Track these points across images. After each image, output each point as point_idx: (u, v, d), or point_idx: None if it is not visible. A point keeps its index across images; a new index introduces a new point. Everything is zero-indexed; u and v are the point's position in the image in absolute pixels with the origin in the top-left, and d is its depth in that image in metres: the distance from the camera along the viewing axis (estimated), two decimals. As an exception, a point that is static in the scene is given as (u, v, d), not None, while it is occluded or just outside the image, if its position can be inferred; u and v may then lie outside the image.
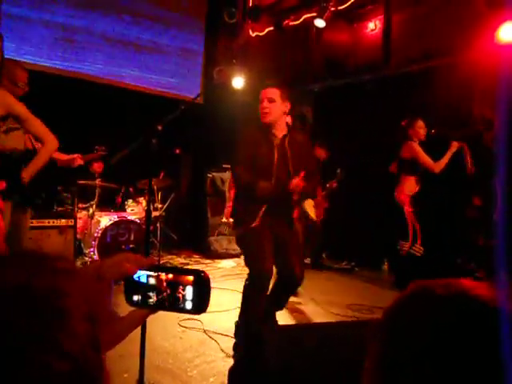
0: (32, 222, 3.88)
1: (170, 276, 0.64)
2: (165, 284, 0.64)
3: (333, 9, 6.42)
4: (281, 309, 3.18)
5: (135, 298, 0.65)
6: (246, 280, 2.84)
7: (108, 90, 6.14)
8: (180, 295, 0.63)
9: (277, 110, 2.87)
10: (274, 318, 3.09)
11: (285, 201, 2.88)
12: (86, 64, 6.19)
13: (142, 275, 0.64)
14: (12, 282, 0.38)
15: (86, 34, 6.16)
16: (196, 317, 3.12)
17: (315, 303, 4.11)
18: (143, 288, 0.65)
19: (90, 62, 6.22)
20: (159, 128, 2.21)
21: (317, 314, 3.82)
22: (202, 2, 7.46)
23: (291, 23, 7.03)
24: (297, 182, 2.75)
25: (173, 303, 0.64)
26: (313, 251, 5.86)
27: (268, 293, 2.87)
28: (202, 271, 0.64)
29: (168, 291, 0.64)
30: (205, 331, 3.17)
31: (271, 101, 2.85)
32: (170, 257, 5.98)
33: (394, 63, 5.89)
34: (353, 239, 5.90)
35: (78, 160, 3.72)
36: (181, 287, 0.63)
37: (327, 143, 5.83)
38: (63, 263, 0.43)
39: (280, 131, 2.93)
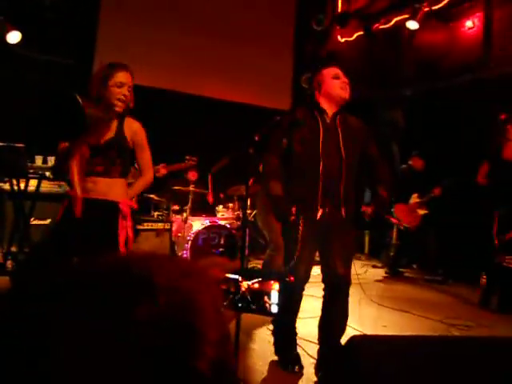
0: (133, 225, 4.23)
1: (256, 284, 0.69)
2: (252, 290, 0.69)
3: (426, 9, 6.21)
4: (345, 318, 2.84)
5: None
6: None
7: (198, 101, 6.47)
8: (266, 300, 0.68)
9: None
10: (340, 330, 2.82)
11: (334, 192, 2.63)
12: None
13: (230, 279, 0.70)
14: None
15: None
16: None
17: (406, 314, 3.97)
18: (231, 292, 0.70)
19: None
20: (256, 138, 2.30)
21: (410, 326, 3.69)
22: (290, 11, 7.57)
23: (381, 27, 6.90)
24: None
25: (259, 307, 0.69)
26: (391, 257, 5.96)
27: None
28: (287, 276, 0.69)
29: (254, 297, 0.69)
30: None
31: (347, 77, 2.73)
32: (257, 261, 6.11)
33: (495, 63, 5.53)
34: (448, 249, 5.60)
35: (162, 170, 4.01)
36: (266, 293, 0.68)
37: (422, 151, 5.68)
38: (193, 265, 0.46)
39: (331, 110, 2.73)
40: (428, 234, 5.59)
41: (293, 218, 2.58)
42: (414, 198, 5.63)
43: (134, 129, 2.51)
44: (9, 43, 5.31)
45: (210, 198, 5.50)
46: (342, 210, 2.64)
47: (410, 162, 5.83)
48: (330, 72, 2.74)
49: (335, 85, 2.69)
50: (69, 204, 2.39)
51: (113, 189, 2.41)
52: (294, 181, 2.68)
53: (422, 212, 5.60)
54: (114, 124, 2.46)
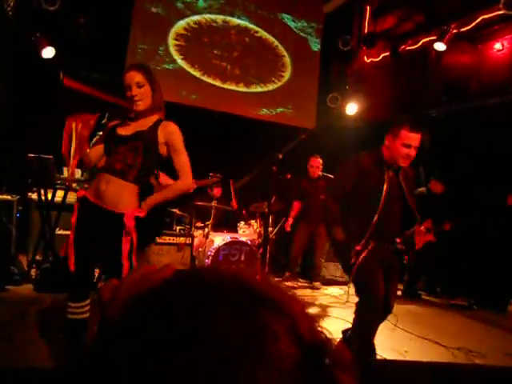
0: (155, 239, 4.28)
1: None
2: None
3: (454, 31, 6.18)
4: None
5: None
6: (360, 307, 2.78)
7: (223, 118, 6.55)
8: None
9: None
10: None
11: (394, 232, 2.93)
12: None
13: None
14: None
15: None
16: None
17: (428, 339, 3.86)
18: None
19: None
20: (280, 156, 2.31)
21: (430, 352, 3.58)
22: (318, 31, 7.63)
23: (408, 48, 6.89)
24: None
25: None
26: (406, 280, 5.84)
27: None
28: None
29: None
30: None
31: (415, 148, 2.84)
32: (277, 279, 6.07)
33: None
34: (474, 274, 5.45)
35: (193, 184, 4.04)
36: None
37: (444, 174, 5.60)
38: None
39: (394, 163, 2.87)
40: (428, 259, 5.49)
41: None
42: (428, 224, 5.51)
43: (169, 129, 2.40)
44: (43, 58, 5.51)
45: (235, 204, 5.50)
46: (396, 246, 2.96)
47: (429, 186, 5.73)
48: (406, 138, 2.78)
49: (401, 152, 2.78)
50: (79, 207, 2.46)
51: (123, 196, 2.30)
52: (353, 219, 2.85)
53: (426, 239, 5.49)
54: (148, 123, 2.39)
